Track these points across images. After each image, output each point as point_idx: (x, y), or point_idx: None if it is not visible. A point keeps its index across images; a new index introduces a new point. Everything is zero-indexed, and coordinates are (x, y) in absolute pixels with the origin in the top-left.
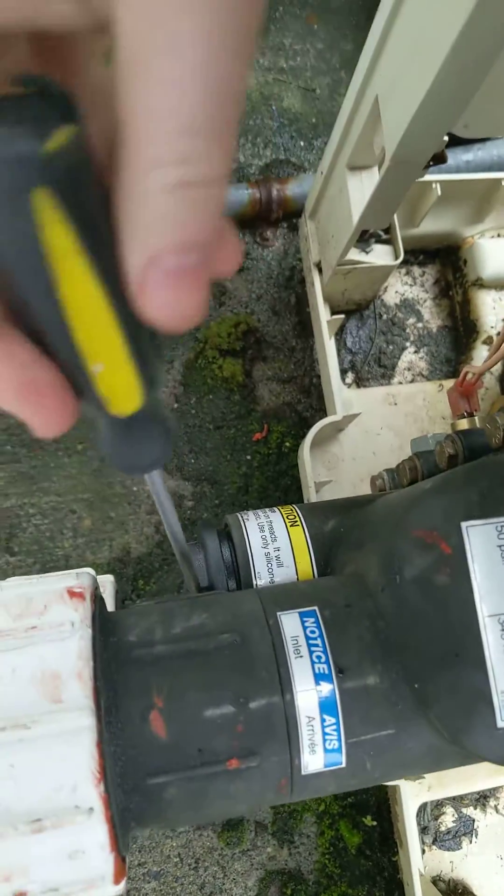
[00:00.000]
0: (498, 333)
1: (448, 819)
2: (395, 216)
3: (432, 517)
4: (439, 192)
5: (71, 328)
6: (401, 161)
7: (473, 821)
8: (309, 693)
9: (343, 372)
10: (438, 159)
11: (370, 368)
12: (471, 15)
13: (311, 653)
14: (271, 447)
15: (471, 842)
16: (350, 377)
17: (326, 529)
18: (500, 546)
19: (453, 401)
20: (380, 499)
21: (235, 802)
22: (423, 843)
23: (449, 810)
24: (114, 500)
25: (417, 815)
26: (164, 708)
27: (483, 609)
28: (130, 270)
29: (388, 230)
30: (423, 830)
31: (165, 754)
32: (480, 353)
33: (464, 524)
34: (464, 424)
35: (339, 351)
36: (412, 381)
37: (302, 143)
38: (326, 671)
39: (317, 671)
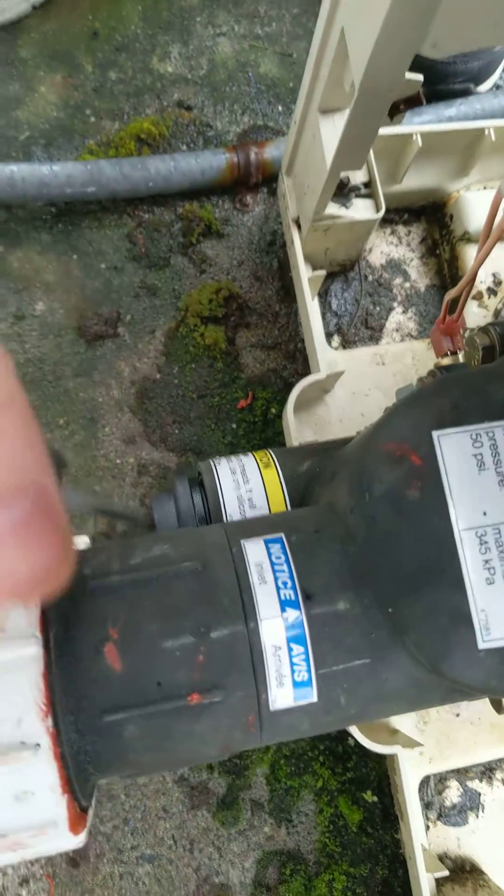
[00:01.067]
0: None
1: (453, 794)
2: (376, 170)
3: (402, 429)
4: (420, 144)
5: None
6: (369, 92)
7: (479, 794)
8: (274, 621)
9: (329, 335)
10: (413, 102)
11: (357, 331)
12: None
13: (276, 579)
14: (257, 415)
15: (477, 816)
16: (336, 340)
17: (301, 470)
18: (476, 455)
19: (436, 340)
20: (357, 435)
21: (202, 743)
22: (427, 819)
23: (453, 784)
24: (98, 473)
25: (420, 790)
26: (118, 639)
27: (459, 522)
28: None
29: (368, 184)
30: (427, 806)
31: (122, 689)
32: (470, 310)
33: (435, 433)
34: (447, 362)
35: (324, 314)
36: (401, 342)
37: (280, 108)
38: (293, 597)
39: (282, 597)
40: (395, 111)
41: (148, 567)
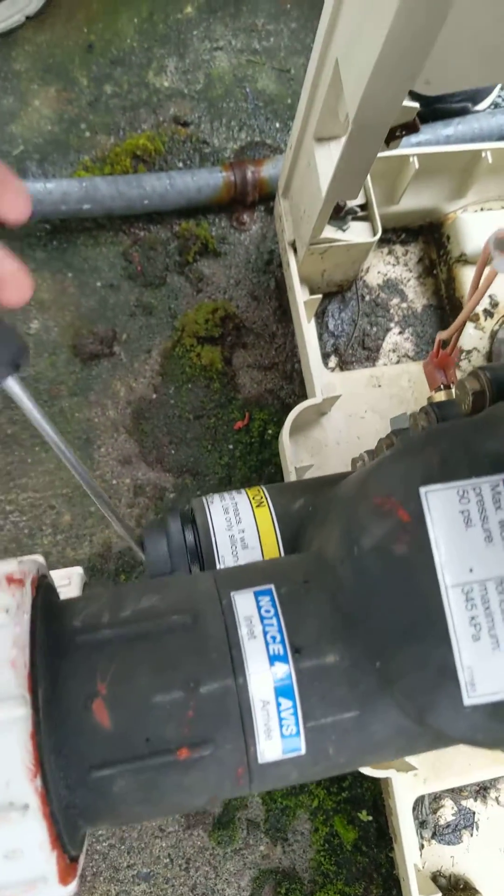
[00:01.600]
0: (486, 311)
1: (447, 812)
2: (373, 192)
3: (390, 482)
4: (417, 166)
5: None
6: (363, 124)
7: (474, 813)
8: (263, 675)
9: (326, 356)
10: (410, 129)
11: (354, 351)
12: None
13: (265, 633)
14: (253, 436)
15: (471, 835)
16: (333, 361)
17: (294, 509)
18: (462, 512)
19: (429, 373)
20: (351, 474)
21: (191, 795)
22: (421, 837)
23: (448, 803)
24: None
25: (414, 809)
26: (107, 695)
27: (445, 578)
28: None
29: (364, 206)
30: (422, 825)
31: (110, 745)
32: (466, 331)
33: (422, 489)
34: (441, 397)
35: (321, 335)
36: (398, 363)
37: (277, 125)
38: (281, 651)
39: (271, 652)
40: (392, 137)
41: (137, 620)
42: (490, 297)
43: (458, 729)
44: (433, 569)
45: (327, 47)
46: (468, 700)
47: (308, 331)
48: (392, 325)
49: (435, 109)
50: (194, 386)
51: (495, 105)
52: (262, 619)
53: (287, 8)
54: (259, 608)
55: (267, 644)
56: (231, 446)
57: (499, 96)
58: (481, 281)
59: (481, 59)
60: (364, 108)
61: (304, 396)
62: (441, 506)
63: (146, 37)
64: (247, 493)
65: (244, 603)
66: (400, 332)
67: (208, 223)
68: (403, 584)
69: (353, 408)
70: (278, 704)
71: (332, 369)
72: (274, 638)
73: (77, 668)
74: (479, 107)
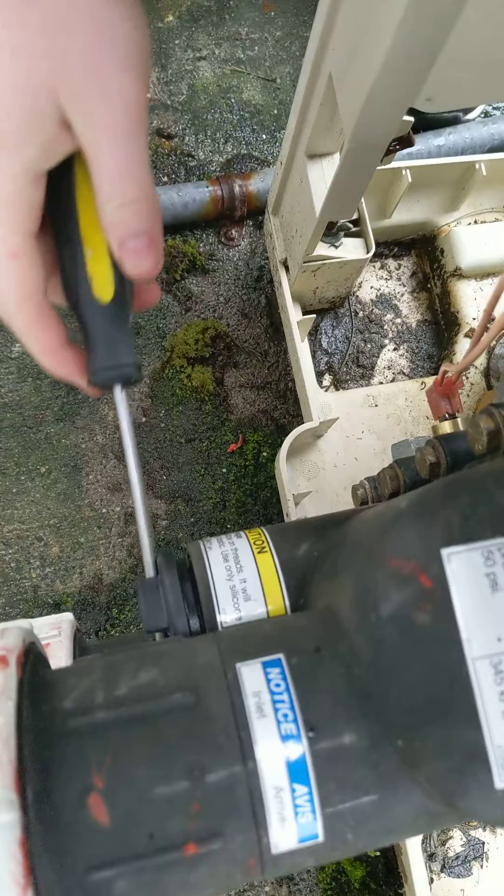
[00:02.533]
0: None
1: (456, 843)
2: (365, 207)
3: (409, 544)
4: (410, 179)
5: (79, 228)
6: (360, 143)
7: (483, 843)
8: (275, 759)
9: (320, 374)
10: (405, 143)
11: (348, 369)
12: None
13: (276, 710)
14: (248, 458)
15: (482, 866)
16: (328, 379)
17: (299, 554)
18: (488, 574)
19: (433, 402)
20: (356, 516)
21: (198, 891)
22: (430, 871)
23: (457, 834)
24: (83, 524)
25: (423, 842)
26: (104, 788)
27: (471, 650)
28: (112, 247)
29: (357, 222)
30: (431, 857)
31: (109, 843)
32: (463, 347)
33: (444, 551)
34: (446, 427)
35: (314, 352)
36: (393, 381)
37: (264, 137)
38: (295, 731)
39: (283, 732)
40: (386, 152)
41: (135, 700)
42: None
43: (492, 814)
44: (458, 639)
45: (319, 63)
46: (500, 783)
47: (302, 351)
48: (386, 341)
49: (425, 119)
50: (185, 408)
51: (485, 114)
52: (272, 694)
53: (271, 16)
54: (268, 682)
55: (278, 723)
56: (225, 470)
57: (489, 105)
58: (495, 322)
59: (486, 75)
60: (361, 125)
61: (298, 416)
62: (465, 569)
63: None
64: (247, 537)
65: (252, 676)
66: (395, 349)
67: (195, 239)
68: (426, 657)
69: (349, 428)
70: (293, 791)
71: (326, 388)
72: (286, 716)
73: (70, 758)
74: (470, 115)
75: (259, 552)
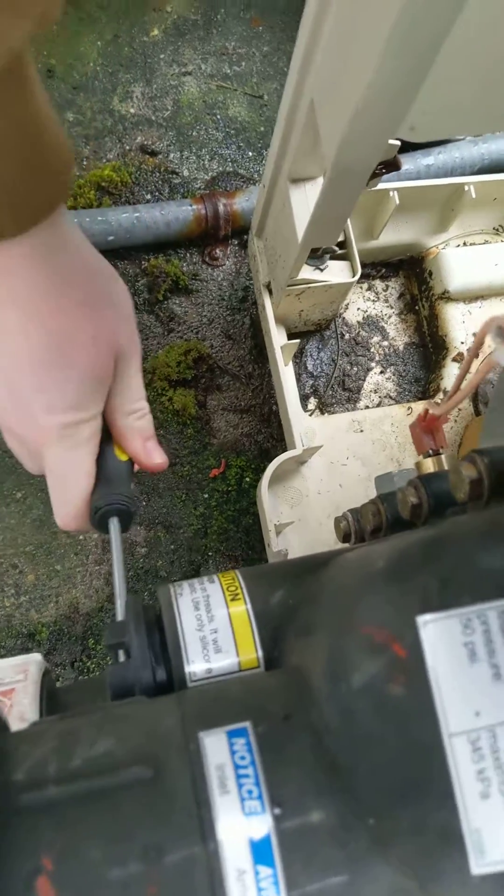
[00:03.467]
0: (470, 350)
1: None
2: (351, 229)
3: (382, 610)
4: (398, 201)
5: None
6: (342, 170)
7: None
8: (237, 839)
9: (305, 398)
10: (391, 166)
11: (334, 393)
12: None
13: (239, 786)
14: (230, 483)
15: None
16: (313, 403)
17: (273, 602)
18: (467, 644)
19: (416, 437)
20: (335, 562)
21: None
22: None
23: None
24: (59, 551)
25: None
26: (54, 871)
27: (448, 725)
28: (134, 447)
29: (343, 244)
30: None
31: None
32: (451, 371)
33: (420, 618)
34: (429, 465)
35: (299, 375)
36: (379, 405)
37: (250, 154)
38: (259, 808)
39: (247, 809)
40: (373, 175)
41: (90, 774)
42: (475, 335)
43: None
44: (433, 713)
45: (301, 87)
46: (476, 869)
47: (286, 376)
48: (373, 364)
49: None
50: (166, 432)
51: (475, 133)
52: (236, 767)
53: (259, 30)
54: (233, 754)
55: (242, 800)
56: (206, 495)
57: None
58: (476, 369)
59: (469, 107)
60: (344, 152)
61: (282, 440)
62: (442, 638)
63: (110, 60)
64: (220, 582)
65: (215, 747)
66: (381, 372)
67: (179, 259)
68: (399, 732)
69: (334, 454)
70: (256, 873)
71: (311, 412)
72: (251, 792)
73: (19, 837)
74: (451, 135)
75: (232, 599)
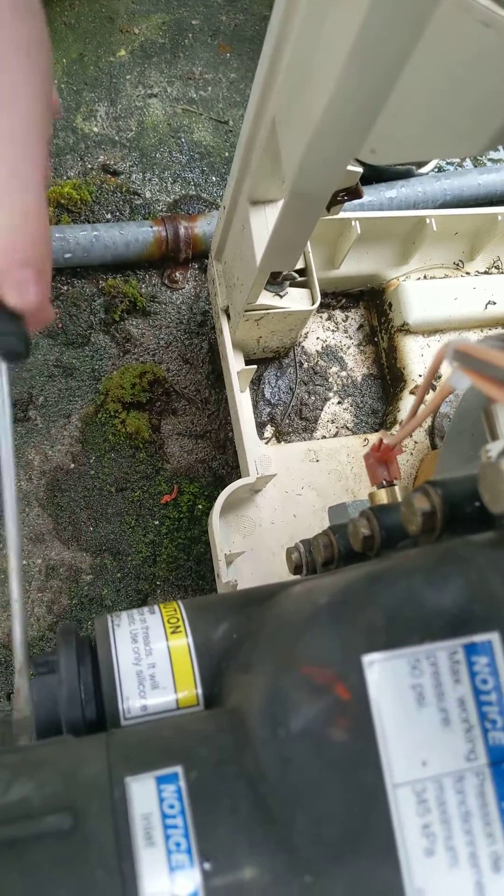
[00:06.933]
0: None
1: None
2: (312, 257)
3: (325, 648)
4: (359, 231)
5: None
6: (302, 192)
7: None
8: None
9: (262, 425)
10: (353, 194)
11: (291, 421)
12: (363, 26)
13: (167, 837)
14: (182, 510)
15: None
16: (269, 431)
17: (216, 636)
18: (414, 686)
19: (370, 468)
20: (282, 594)
21: None
22: None
23: None
24: (0, 576)
25: None
26: None
27: (392, 775)
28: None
29: (303, 272)
30: None
31: None
32: (408, 404)
33: (365, 658)
34: (382, 497)
35: (256, 403)
36: (336, 435)
37: (214, 179)
38: (187, 864)
39: (173, 864)
40: (334, 202)
41: (3, 823)
42: None
43: None
44: (377, 762)
45: (263, 105)
46: None
47: (242, 402)
48: (331, 394)
49: (378, 171)
50: (118, 455)
51: (439, 168)
52: (164, 817)
53: (226, 57)
54: (161, 802)
55: (169, 853)
56: (157, 522)
57: (443, 160)
58: (433, 395)
59: (429, 131)
60: (303, 174)
61: (237, 468)
62: (388, 679)
63: (75, 79)
64: (161, 614)
65: (142, 794)
66: (339, 402)
67: (137, 280)
68: (339, 781)
69: (289, 484)
70: None
71: (268, 440)
72: (178, 844)
73: None
74: (424, 169)
75: (173, 632)
